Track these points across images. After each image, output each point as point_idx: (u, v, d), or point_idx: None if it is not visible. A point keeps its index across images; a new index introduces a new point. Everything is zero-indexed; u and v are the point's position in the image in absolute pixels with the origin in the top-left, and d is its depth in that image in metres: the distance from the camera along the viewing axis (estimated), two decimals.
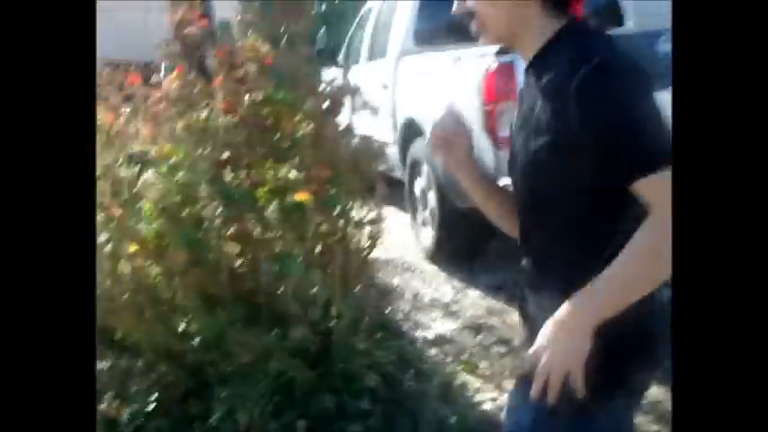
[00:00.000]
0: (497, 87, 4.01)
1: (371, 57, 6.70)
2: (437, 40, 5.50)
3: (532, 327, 1.38)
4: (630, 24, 4.76)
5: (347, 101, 3.32)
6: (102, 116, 2.85)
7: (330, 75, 4.48)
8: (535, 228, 1.40)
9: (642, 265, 1.21)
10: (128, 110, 3.01)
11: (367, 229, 3.09)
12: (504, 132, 3.89)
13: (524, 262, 1.46)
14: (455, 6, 1.42)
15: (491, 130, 4.05)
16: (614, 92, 1.21)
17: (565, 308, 1.27)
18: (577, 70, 1.21)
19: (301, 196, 2.72)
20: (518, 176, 1.39)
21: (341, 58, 7.58)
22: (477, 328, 4.12)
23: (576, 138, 1.22)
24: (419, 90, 5.28)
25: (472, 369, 3.62)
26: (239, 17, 3.22)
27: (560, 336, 1.25)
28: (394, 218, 4.45)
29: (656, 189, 1.19)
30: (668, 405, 2.93)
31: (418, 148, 5.23)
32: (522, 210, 1.42)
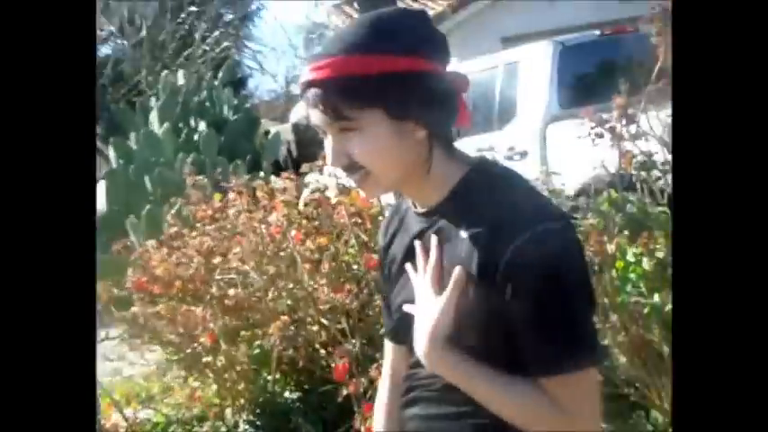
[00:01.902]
0: None
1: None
2: (583, 99, 4.88)
3: None
4: None
5: None
6: None
7: None
8: None
9: (516, 411, 1.09)
10: None
11: None
12: None
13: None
14: (331, 160, 1.14)
15: None
16: (541, 277, 1.04)
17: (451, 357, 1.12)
18: (508, 239, 1.04)
19: None
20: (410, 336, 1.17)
21: None
22: None
23: (492, 315, 1.08)
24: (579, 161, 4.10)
25: None
26: None
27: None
28: None
29: (557, 389, 1.07)
30: None
31: None
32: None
